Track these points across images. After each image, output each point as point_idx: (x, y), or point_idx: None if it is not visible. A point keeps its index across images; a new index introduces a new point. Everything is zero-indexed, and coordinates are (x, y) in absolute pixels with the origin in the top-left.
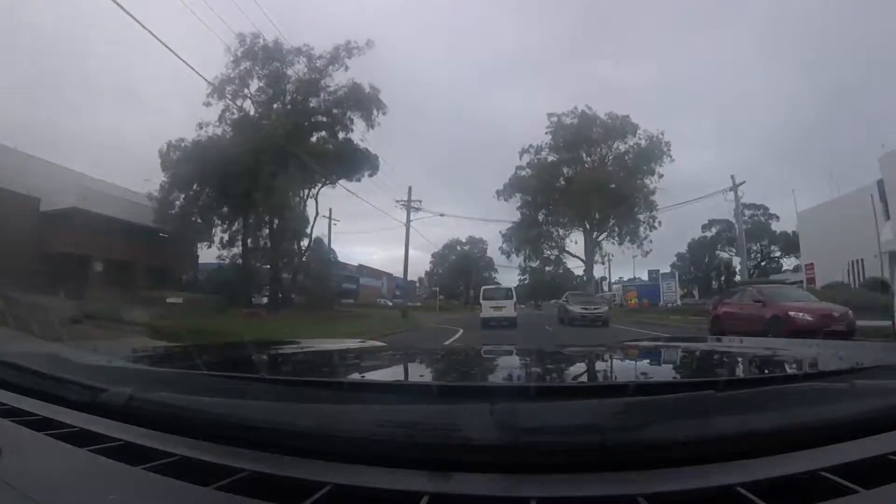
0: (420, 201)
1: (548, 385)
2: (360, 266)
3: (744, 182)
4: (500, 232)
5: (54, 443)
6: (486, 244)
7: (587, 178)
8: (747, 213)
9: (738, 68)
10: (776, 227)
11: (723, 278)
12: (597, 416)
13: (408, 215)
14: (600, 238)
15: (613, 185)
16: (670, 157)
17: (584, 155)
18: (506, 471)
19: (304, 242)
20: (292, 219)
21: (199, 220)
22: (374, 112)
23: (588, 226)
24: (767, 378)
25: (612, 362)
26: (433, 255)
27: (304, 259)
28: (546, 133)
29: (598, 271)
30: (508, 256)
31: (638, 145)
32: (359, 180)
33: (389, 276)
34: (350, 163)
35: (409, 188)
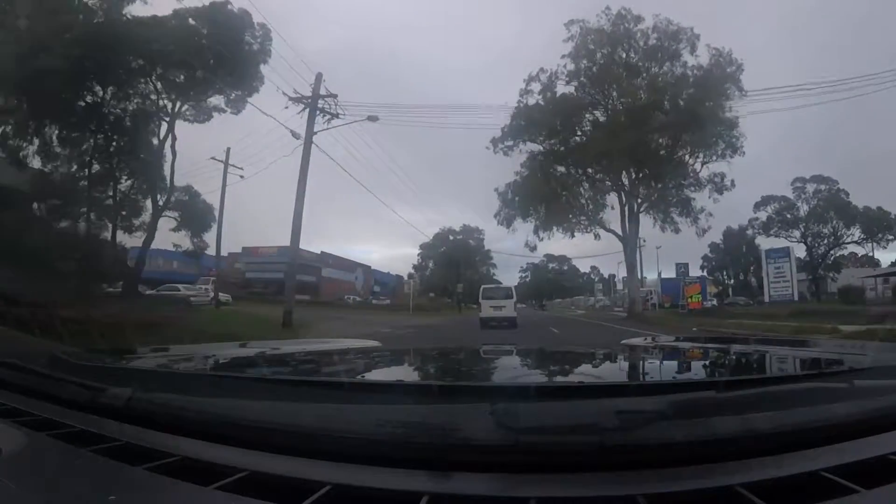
0: (336, 96)
1: (547, 385)
2: (323, 254)
3: None
4: (495, 190)
5: (54, 443)
6: (483, 234)
7: (629, 112)
8: (810, 188)
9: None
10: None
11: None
12: (596, 416)
13: (310, 121)
14: (654, 195)
15: (670, 119)
16: (741, 89)
17: (624, 76)
18: (505, 471)
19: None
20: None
21: None
22: None
23: (628, 185)
24: (767, 378)
25: (612, 362)
26: (421, 247)
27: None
28: (564, 57)
29: (613, 265)
30: (509, 225)
31: (700, 66)
32: (251, 93)
33: (367, 268)
34: (217, 42)
35: (319, 75)
